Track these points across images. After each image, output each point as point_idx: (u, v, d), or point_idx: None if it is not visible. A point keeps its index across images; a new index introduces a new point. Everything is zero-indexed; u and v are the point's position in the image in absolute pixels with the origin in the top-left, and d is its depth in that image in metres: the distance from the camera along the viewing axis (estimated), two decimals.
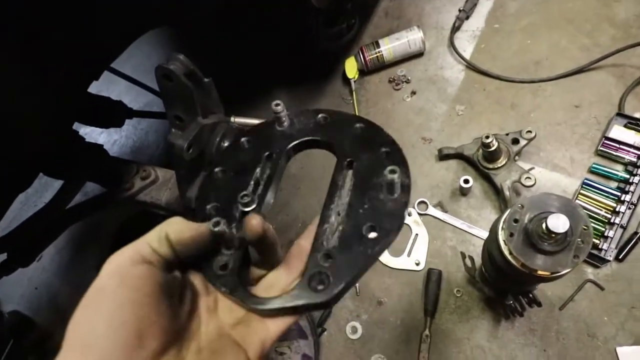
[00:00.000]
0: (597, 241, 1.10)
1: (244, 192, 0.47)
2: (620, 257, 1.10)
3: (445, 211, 1.30)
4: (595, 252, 1.09)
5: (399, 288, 1.25)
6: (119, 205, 1.16)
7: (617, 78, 1.31)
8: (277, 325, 0.42)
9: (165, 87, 0.65)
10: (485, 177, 1.27)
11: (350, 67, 1.59)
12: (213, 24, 2.01)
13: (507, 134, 1.25)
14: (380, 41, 1.54)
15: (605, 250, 1.09)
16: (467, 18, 1.57)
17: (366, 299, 1.26)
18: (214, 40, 1.98)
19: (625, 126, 1.21)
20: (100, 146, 1.18)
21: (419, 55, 1.57)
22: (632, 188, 1.13)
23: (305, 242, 0.43)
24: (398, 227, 0.41)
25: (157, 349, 0.34)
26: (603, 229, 1.11)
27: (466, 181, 1.26)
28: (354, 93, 1.58)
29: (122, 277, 0.36)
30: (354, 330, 1.23)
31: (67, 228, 1.19)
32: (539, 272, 0.72)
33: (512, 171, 1.19)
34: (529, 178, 1.15)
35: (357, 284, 1.27)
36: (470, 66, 1.48)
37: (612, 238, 1.10)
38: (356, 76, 1.59)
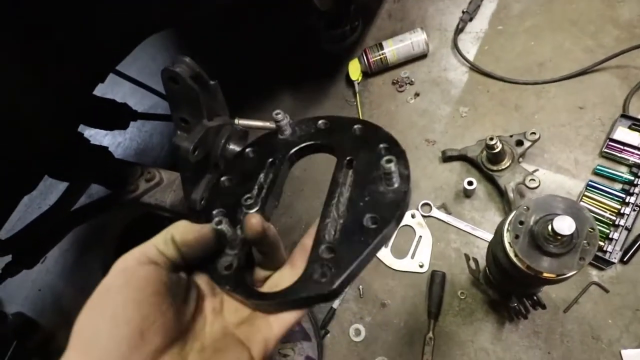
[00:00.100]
0: (601, 243, 1.10)
1: (248, 195, 0.49)
2: (625, 260, 1.09)
3: (449, 213, 1.30)
4: (599, 254, 1.09)
5: (403, 290, 1.25)
6: (123, 207, 1.16)
7: (621, 79, 1.30)
8: (280, 324, 0.42)
9: (171, 90, 0.66)
10: (489, 179, 1.27)
11: (354, 69, 1.59)
12: (214, 24, 2.02)
13: (511, 136, 1.25)
14: (383, 43, 1.55)
15: (610, 253, 1.09)
16: (471, 20, 1.57)
17: (369, 301, 1.26)
18: (215, 40, 1.99)
19: (629, 128, 1.21)
20: (105, 148, 1.19)
21: (422, 57, 1.57)
22: (636, 190, 1.12)
23: (308, 241, 0.44)
24: (399, 215, 0.41)
25: (159, 346, 0.35)
26: (607, 231, 1.11)
27: (470, 183, 1.25)
28: (357, 95, 1.58)
29: (128, 278, 0.37)
30: (358, 332, 1.23)
31: (72, 230, 1.19)
32: (545, 275, 0.72)
33: (516, 173, 1.19)
34: (533, 180, 1.15)
35: (360, 286, 1.27)
36: (474, 68, 1.48)
37: (616, 240, 1.09)
38: (359, 78, 1.60)
